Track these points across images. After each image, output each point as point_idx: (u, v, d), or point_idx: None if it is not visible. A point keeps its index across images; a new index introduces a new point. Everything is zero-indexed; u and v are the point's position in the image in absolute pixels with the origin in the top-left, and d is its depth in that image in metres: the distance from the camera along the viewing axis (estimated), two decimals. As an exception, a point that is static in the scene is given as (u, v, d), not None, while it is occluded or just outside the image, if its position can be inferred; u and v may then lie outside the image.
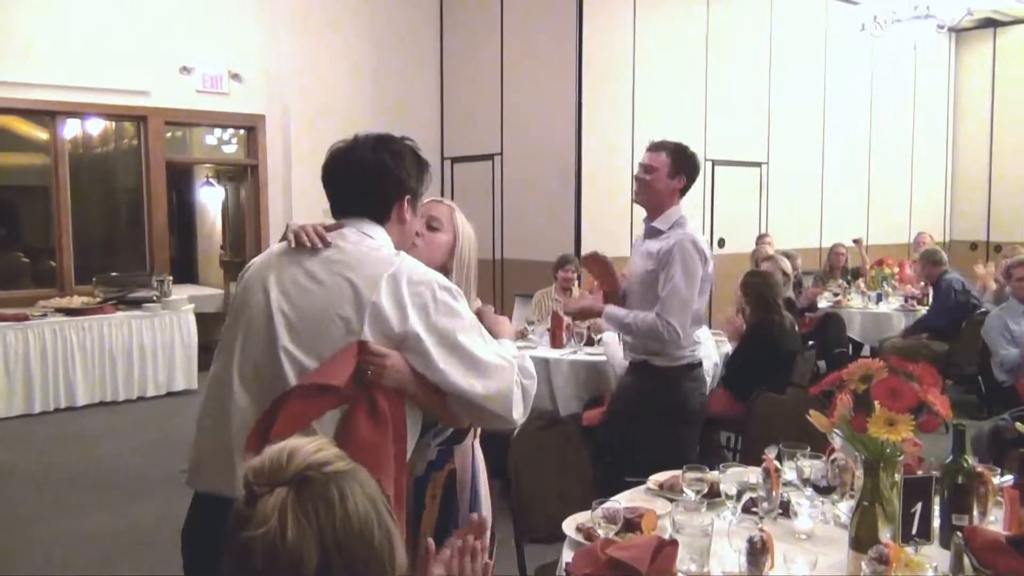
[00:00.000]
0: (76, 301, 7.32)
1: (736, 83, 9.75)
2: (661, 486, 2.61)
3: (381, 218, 1.97)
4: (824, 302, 7.67)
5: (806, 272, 8.41)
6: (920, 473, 2.15)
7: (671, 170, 3.41)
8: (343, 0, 9.22)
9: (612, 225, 8.61)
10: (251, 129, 8.95)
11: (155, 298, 7.56)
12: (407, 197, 2.00)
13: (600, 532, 2.12)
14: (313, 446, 1.19)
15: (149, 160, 8.28)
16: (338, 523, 1.13)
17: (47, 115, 7.74)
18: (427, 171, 2.07)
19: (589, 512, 2.23)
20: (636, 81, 8.79)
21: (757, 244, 8.65)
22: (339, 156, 1.99)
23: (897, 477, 2.01)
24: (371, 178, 1.95)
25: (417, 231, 2.17)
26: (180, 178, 11.57)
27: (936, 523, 2.15)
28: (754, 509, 2.40)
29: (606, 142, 8.57)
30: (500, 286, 9.24)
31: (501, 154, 9.24)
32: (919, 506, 1.97)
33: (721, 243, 9.74)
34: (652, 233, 3.46)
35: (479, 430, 2.29)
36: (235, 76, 8.59)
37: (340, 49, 9.21)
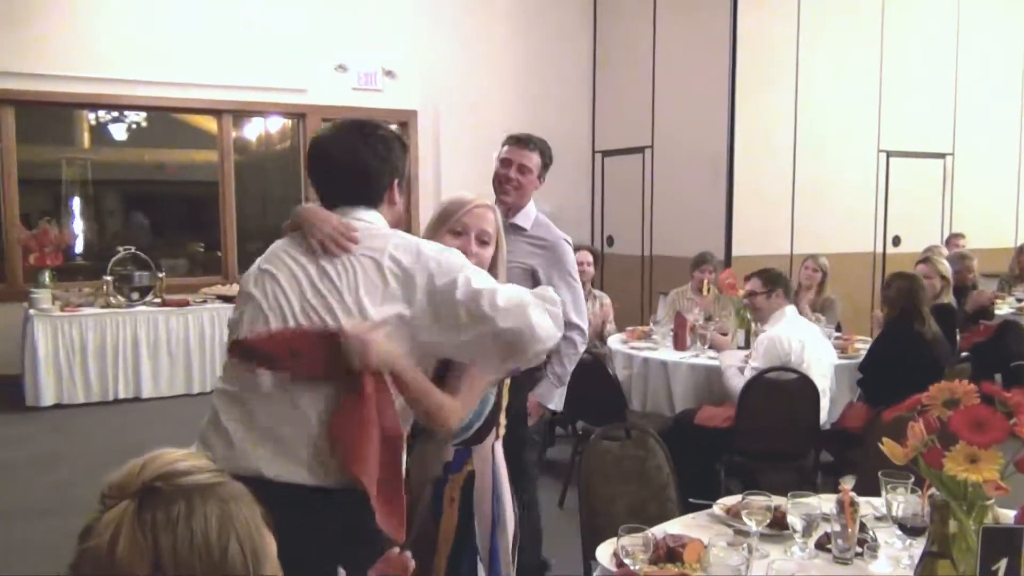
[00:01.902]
0: (235, 289, 7.74)
1: (917, 64, 8.89)
2: (728, 511, 2.33)
3: (375, 203, 2.00)
4: (1007, 308, 6.84)
5: (989, 275, 7.55)
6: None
7: (540, 171, 3.19)
8: (495, -4, 9.23)
9: (767, 222, 8.09)
10: (404, 124, 9.12)
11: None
12: (396, 180, 2.05)
13: (628, 562, 1.89)
14: (178, 455, 1.07)
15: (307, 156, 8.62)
16: (179, 541, 1.00)
17: (214, 113, 8.23)
18: (408, 151, 2.12)
19: (627, 538, 2.00)
20: (800, 66, 8.20)
21: (948, 244, 7.88)
22: (328, 146, 2.01)
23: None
24: (366, 167, 1.97)
25: (469, 249, 2.09)
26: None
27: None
28: (828, 546, 2.09)
29: (762, 134, 8.07)
30: (648, 282, 8.94)
31: (652, 147, 8.92)
32: (1003, 563, 1.60)
33: (896, 241, 8.94)
34: (512, 231, 3.08)
35: (501, 432, 2.14)
36: (388, 73, 8.77)
37: (492, 44, 9.22)
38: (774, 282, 4.33)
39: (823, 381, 4.15)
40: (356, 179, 1.97)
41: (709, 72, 8.09)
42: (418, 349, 1.83)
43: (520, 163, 3.11)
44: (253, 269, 1.95)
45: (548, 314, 1.85)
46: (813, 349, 4.12)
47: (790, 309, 4.28)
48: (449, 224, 2.14)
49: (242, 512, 1.06)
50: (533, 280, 3.09)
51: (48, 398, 6.75)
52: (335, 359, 1.71)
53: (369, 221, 1.95)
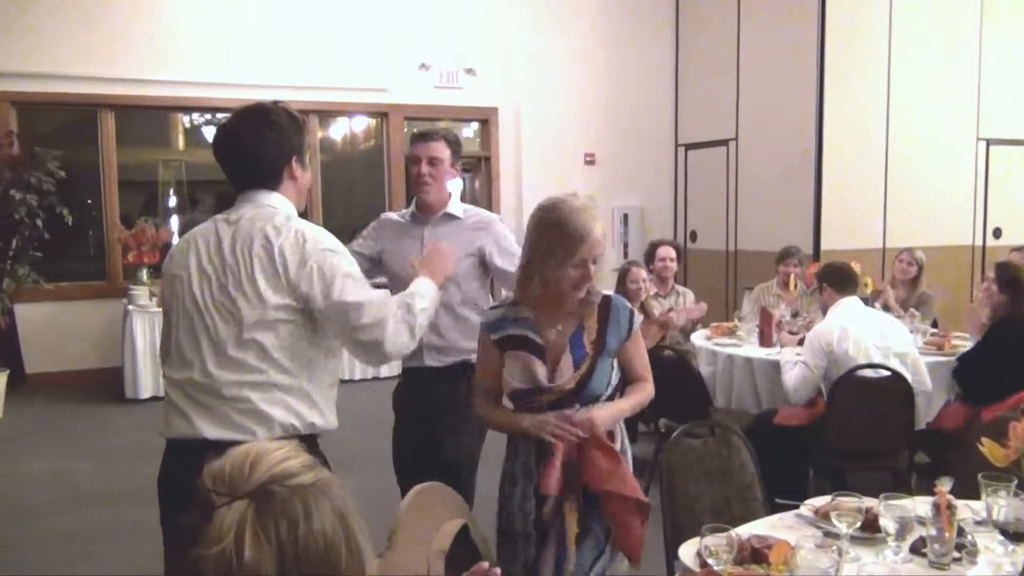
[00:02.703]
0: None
1: (1020, 48, 8.49)
2: (816, 512, 2.26)
3: (275, 185, 2.15)
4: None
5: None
6: None
7: (452, 159, 3.02)
8: (576, -10, 9.20)
9: (859, 216, 7.86)
10: (484, 122, 9.18)
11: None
12: (294, 158, 2.17)
13: (711, 562, 1.86)
14: (280, 454, 1.09)
15: (390, 154, 8.77)
16: (300, 542, 1.03)
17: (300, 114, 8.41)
18: (304, 125, 2.23)
19: (710, 537, 1.96)
20: (892, 54, 7.92)
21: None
22: (223, 137, 2.17)
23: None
24: (256, 153, 2.13)
25: (589, 275, 2.28)
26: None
27: None
28: (924, 550, 2.01)
29: (852, 124, 7.82)
30: (733, 277, 8.78)
31: (736, 139, 8.75)
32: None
33: (997, 233, 8.57)
34: (449, 221, 3.03)
35: None
36: (469, 71, 8.83)
37: (573, 38, 9.19)
38: (821, 277, 4.31)
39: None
40: (252, 164, 2.14)
41: (796, 62, 7.89)
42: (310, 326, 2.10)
43: (429, 156, 2.96)
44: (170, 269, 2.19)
45: (406, 326, 2.14)
46: (861, 335, 3.97)
47: (847, 300, 4.15)
48: (574, 260, 2.24)
49: (343, 504, 1.09)
50: (483, 267, 3.04)
51: (146, 390, 7.04)
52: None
53: (273, 205, 2.13)
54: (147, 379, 7.04)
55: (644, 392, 2.45)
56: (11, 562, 3.98)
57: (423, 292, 2.26)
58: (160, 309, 7.04)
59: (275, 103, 2.20)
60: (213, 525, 1.02)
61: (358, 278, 2.14)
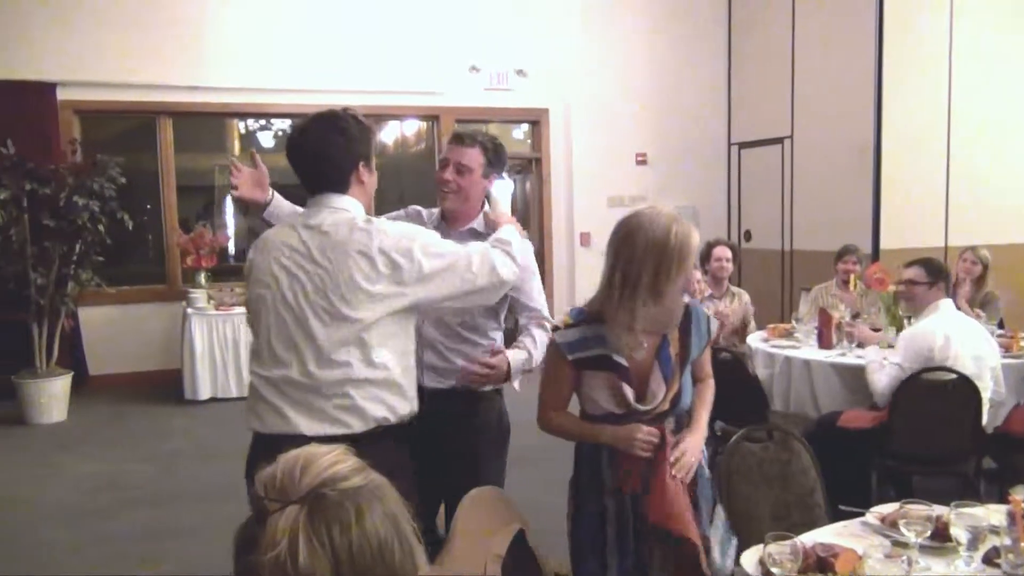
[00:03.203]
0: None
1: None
2: (883, 520, 2.19)
3: (344, 188, 2.21)
4: None
5: None
6: None
7: (485, 169, 2.68)
8: (626, -11, 9.14)
9: (918, 213, 7.65)
10: (535, 123, 9.16)
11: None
12: (361, 163, 2.23)
13: (775, 571, 1.81)
14: (329, 458, 1.09)
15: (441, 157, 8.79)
16: (354, 545, 1.03)
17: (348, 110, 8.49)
18: (372, 130, 2.29)
19: (774, 545, 1.92)
20: (953, 45, 7.71)
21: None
22: (296, 142, 2.23)
23: None
24: (327, 157, 2.19)
25: (691, 286, 2.27)
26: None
27: None
28: (997, 561, 1.94)
29: (912, 120, 7.63)
30: (788, 278, 8.62)
31: (791, 137, 8.59)
32: None
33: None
34: (470, 237, 2.66)
35: None
36: (520, 72, 8.82)
37: (624, 38, 9.12)
38: (936, 274, 4.05)
39: (978, 382, 3.86)
40: (323, 168, 2.21)
41: (853, 57, 7.73)
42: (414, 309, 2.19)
43: (458, 162, 2.64)
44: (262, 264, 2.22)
45: (506, 256, 2.29)
46: (962, 345, 3.84)
47: (945, 303, 4.00)
48: (686, 273, 2.22)
49: (395, 507, 1.09)
50: None
51: (204, 392, 7.17)
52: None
53: (346, 208, 2.19)
54: (205, 381, 7.17)
55: (711, 390, 2.49)
56: (73, 561, 4.07)
57: (507, 232, 2.42)
58: (218, 312, 7.22)
59: (345, 110, 2.26)
60: (267, 531, 1.03)
61: (449, 244, 2.26)
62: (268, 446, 2.13)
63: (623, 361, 2.24)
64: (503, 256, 2.29)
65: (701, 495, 2.37)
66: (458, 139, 2.70)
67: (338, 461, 1.09)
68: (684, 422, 2.39)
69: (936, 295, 4.01)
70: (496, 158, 2.70)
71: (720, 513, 2.36)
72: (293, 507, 1.03)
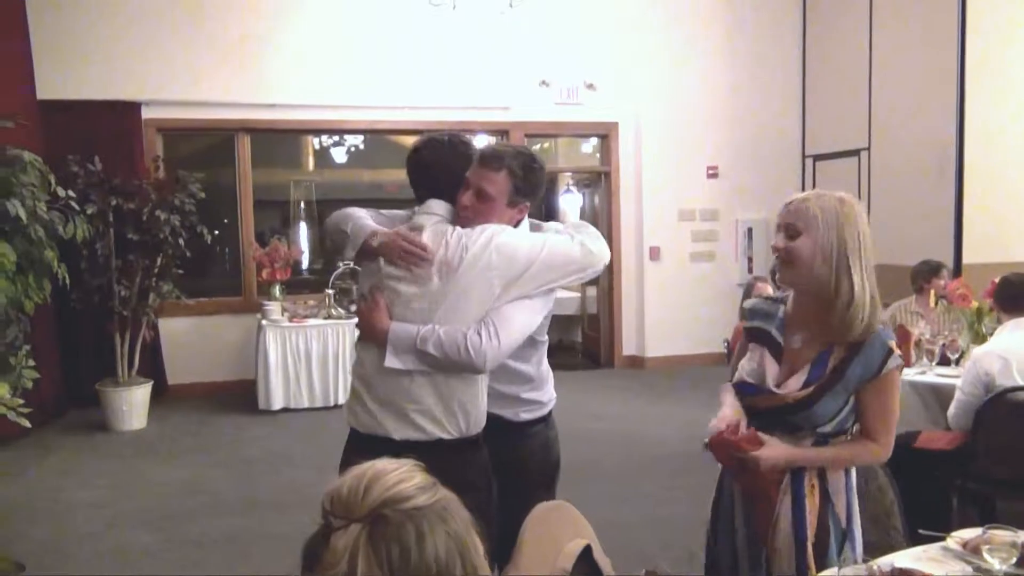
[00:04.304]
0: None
1: None
2: (964, 545, 2.11)
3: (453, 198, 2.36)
4: None
5: None
6: None
7: (512, 197, 2.33)
8: (696, 3, 9.06)
9: (1003, 227, 7.37)
10: (604, 137, 9.15)
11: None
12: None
13: (850, 594, 1.76)
14: (395, 476, 1.10)
15: (510, 171, 8.82)
16: (412, 567, 1.04)
17: (419, 133, 8.60)
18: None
19: (849, 568, 1.86)
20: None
21: None
22: (419, 154, 2.42)
23: None
24: (451, 171, 2.36)
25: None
26: (548, 187, 12.26)
27: None
28: (1090, 592, 1.84)
29: (997, 130, 7.36)
30: (865, 294, 8.39)
31: (868, 149, 8.39)
32: None
33: None
34: None
35: None
36: (589, 86, 8.82)
37: (695, 51, 9.05)
38: (1000, 289, 3.95)
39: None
40: (444, 180, 2.38)
41: (933, 65, 7.51)
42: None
43: (479, 187, 2.30)
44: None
45: (590, 239, 2.39)
46: (1021, 365, 3.66)
47: (1012, 323, 3.85)
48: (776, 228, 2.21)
49: (460, 527, 1.09)
50: None
51: (278, 401, 7.31)
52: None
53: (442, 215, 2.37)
54: (279, 391, 7.31)
55: (864, 450, 2.18)
56: (155, 565, 4.20)
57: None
58: (292, 324, 7.38)
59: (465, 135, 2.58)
60: (330, 548, 1.05)
61: (552, 238, 2.39)
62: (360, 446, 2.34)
63: (779, 339, 2.19)
64: (595, 241, 2.44)
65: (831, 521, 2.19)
66: (484, 160, 2.32)
67: (403, 480, 1.10)
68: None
69: (1009, 315, 3.88)
70: (527, 186, 2.34)
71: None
72: (355, 526, 1.05)
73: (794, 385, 2.13)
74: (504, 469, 2.42)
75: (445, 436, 2.25)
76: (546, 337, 2.61)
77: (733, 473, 2.21)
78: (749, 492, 2.20)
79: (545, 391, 2.63)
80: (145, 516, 4.86)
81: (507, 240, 2.25)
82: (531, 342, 2.48)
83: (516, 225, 2.39)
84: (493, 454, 2.39)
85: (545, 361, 2.63)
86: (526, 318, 2.29)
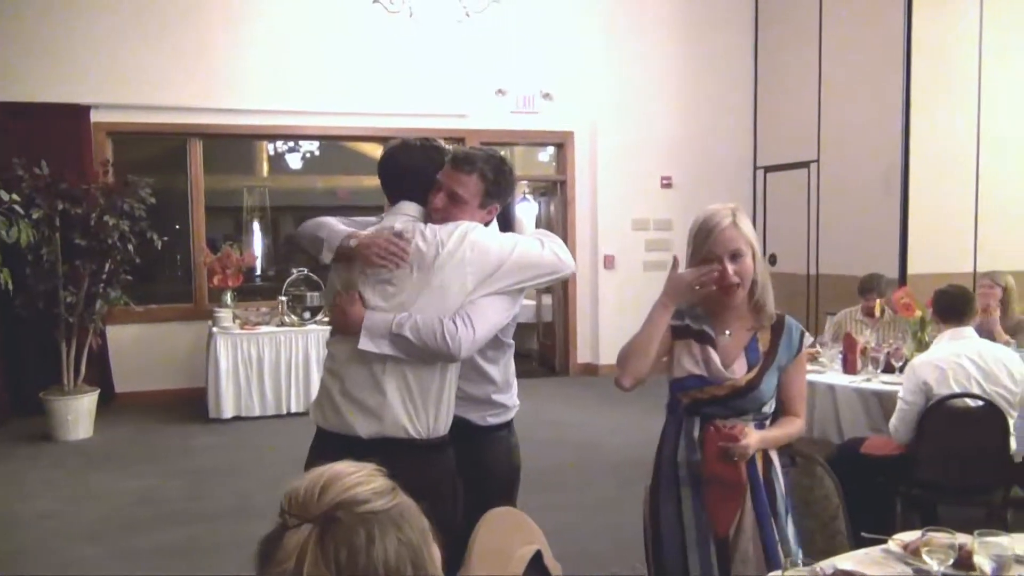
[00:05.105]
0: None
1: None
2: (905, 548, 2.17)
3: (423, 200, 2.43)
4: None
5: None
6: None
7: (483, 199, 2.41)
8: (653, 14, 9.18)
9: (946, 238, 7.58)
10: (560, 146, 9.21)
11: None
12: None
13: (794, 597, 1.80)
14: (353, 479, 1.10)
15: (466, 179, 8.84)
16: (360, 571, 1.04)
17: (380, 140, 8.58)
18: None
19: (793, 571, 1.90)
20: (982, 68, 7.65)
21: None
22: (393, 158, 2.49)
23: None
24: (423, 174, 2.43)
25: (727, 276, 2.30)
26: (503, 195, 12.29)
27: None
28: (1023, 592, 1.90)
29: (941, 145, 7.58)
30: (814, 302, 8.56)
31: (817, 161, 8.57)
32: None
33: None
34: None
35: None
36: (546, 95, 8.89)
37: (650, 62, 9.17)
38: (937, 301, 4.06)
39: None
40: (414, 182, 2.45)
41: (880, 81, 7.71)
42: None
43: (451, 190, 2.37)
44: None
45: (550, 242, 2.45)
46: (957, 377, 3.77)
47: (949, 333, 3.95)
48: (702, 255, 2.30)
49: (414, 534, 1.09)
50: None
51: (229, 410, 7.21)
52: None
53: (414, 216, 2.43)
54: (230, 400, 7.22)
55: (795, 427, 2.40)
56: (99, 576, 4.11)
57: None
58: (243, 331, 7.29)
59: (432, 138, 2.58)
60: (281, 546, 1.05)
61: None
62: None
63: (714, 335, 2.35)
64: (553, 243, 2.50)
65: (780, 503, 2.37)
66: (456, 163, 2.40)
67: (360, 483, 1.10)
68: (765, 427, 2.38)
69: (939, 325, 4.00)
70: (497, 188, 2.43)
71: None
72: (307, 526, 1.05)
73: (740, 370, 2.30)
74: (468, 475, 2.44)
75: (414, 434, 2.27)
76: (512, 341, 2.67)
77: (709, 464, 2.28)
78: (723, 479, 2.29)
79: (511, 395, 2.69)
80: (91, 528, 4.76)
81: (480, 237, 2.33)
82: (499, 344, 2.57)
83: (486, 227, 2.45)
84: (457, 459, 2.41)
85: (512, 366, 2.71)
86: (498, 313, 2.34)
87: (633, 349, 2.37)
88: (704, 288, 2.28)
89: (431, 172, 2.41)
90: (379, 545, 1.05)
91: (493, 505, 2.30)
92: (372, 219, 2.55)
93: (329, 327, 2.51)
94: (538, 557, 1.94)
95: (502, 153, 2.52)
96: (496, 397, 2.61)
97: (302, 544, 1.04)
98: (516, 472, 2.70)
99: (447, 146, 2.54)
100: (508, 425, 2.67)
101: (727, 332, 2.37)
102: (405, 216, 2.40)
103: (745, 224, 2.32)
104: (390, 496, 1.10)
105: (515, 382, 2.73)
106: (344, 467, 1.12)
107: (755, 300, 2.34)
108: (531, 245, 2.40)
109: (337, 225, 2.46)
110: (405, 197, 2.44)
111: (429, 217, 2.42)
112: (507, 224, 2.77)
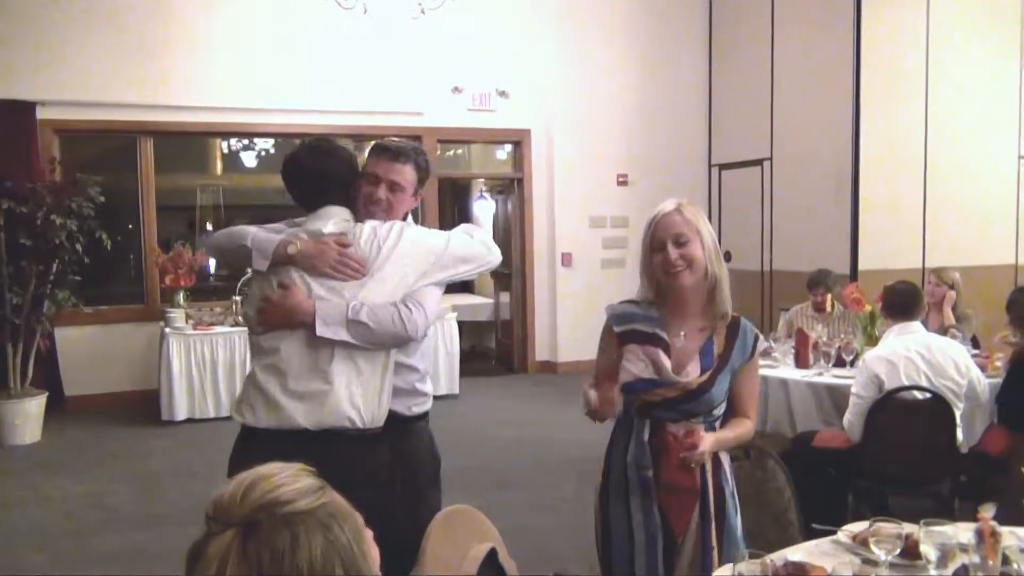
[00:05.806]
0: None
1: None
2: (854, 538, 2.20)
3: (347, 201, 2.49)
4: None
5: None
6: None
7: (416, 187, 2.59)
8: (609, 13, 9.22)
9: (896, 235, 7.74)
10: (517, 144, 9.22)
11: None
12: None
13: (745, 589, 1.81)
14: (276, 480, 1.07)
15: (423, 177, 8.80)
16: (285, 574, 1.01)
17: (335, 137, 8.49)
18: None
19: (744, 564, 1.92)
20: (929, 70, 7.82)
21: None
22: (304, 163, 2.50)
23: None
24: (343, 176, 2.49)
25: (671, 260, 2.30)
26: (460, 192, 12.27)
27: None
28: (967, 579, 1.94)
29: (890, 143, 7.73)
30: (768, 298, 8.68)
31: (771, 159, 8.69)
32: None
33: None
34: None
35: None
36: (502, 93, 8.88)
37: (605, 61, 9.21)
38: (886, 297, 4.14)
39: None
40: (335, 184, 2.50)
41: (832, 81, 7.84)
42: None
43: (391, 180, 2.51)
44: None
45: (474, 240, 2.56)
46: (906, 371, 3.85)
47: (897, 327, 4.04)
48: (653, 246, 2.32)
49: (344, 534, 1.07)
50: None
51: (182, 412, 7.10)
52: None
53: (347, 219, 2.46)
54: (183, 401, 7.11)
55: (745, 428, 2.41)
56: (48, 583, 4.02)
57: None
58: (196, 332, 7.18)
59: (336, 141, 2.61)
60: (204, 553, 1.03)
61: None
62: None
63: (666, 338, 2.34)
64: (472, 240, 2.58)
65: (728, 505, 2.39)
66: (392, 155, 2.53)
67: (284, 484, 1.07)
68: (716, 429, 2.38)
69: (887, 321, 4.09)
70: (425, 176, 2.62)
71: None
72: (230, 531, 1.03)
73: (693, 373, 2.30)
74: (398, 465, 2.48)
75: (359, 423, 2.28)
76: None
77: (667, 472, 2.30)
78: (680, 486, 2.31)
79: (429, 384, 2.74)
80: (40, 534, 4.65)
81: (417, 233, 2.46)
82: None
83: (409, 212, 2.63)
84: (388, 451, 2.45)
85: (429, 355, 2.81)
86: (436, 303, 2.46)
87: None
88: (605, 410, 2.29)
89: (348, 172, 2.49)
90: (304, 546, 1.02)
91: (425, 497, 2.55)
92: (280, 224, 2.54)
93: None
94: (493, 555, 1.94)
95: (449, 154, 2.63)
96: (419, 386, 2.64)
97: (224, 550, 1.02)
98: (438, 463, 2.74)
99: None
100: (427, 415, 2.71)
101: (682, 334, 2.36)
102: (335, 218, 2.41)
103: (691, 213, 2.32)
104: (316, 495, 1.08)
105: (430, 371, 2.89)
106: (269, 468, 1.10)
107: (719, 297, 2.35)
108: (463, 239, 2.54)
109: (260, 232, 2.44)
110: (326, 199, 2.44)
111: (359, 214, 2.51)
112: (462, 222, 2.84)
